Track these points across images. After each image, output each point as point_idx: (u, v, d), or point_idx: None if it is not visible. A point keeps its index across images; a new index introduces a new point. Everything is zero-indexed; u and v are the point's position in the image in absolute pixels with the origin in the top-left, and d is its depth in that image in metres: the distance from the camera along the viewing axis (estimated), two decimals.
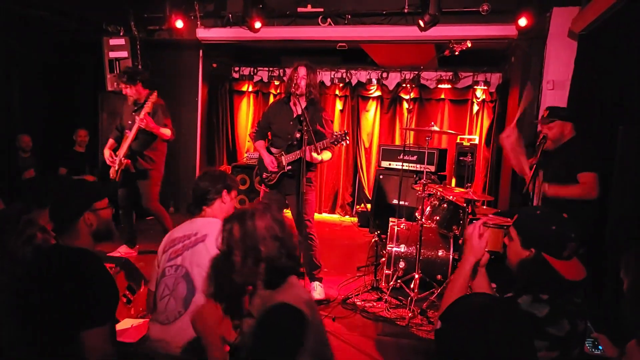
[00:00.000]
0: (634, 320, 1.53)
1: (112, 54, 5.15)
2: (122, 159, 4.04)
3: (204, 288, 1.57)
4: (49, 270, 1.59)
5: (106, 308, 1.61)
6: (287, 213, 3.98)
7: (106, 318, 1.58)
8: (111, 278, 1.65)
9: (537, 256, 1.55)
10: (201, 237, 2.02)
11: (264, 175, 3.73)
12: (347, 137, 3.45)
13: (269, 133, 3.83)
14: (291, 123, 3.58)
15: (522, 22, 4.24)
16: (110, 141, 4.30)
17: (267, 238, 1.45)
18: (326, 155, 3.53)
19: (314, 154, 3.36)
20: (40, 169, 5.28)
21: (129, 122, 4.09)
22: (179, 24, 5.12)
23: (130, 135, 4.01)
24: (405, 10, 4.76)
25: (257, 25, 4.94)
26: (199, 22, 5.38)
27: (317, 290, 3.69)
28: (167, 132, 4.11)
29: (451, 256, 3.82)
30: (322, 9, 4.99)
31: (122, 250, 4.30)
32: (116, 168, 4.09)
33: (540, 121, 3.32)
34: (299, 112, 3.46)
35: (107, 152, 4.18)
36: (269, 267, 1.44)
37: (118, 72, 4.06)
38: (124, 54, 5.13)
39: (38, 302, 1.52)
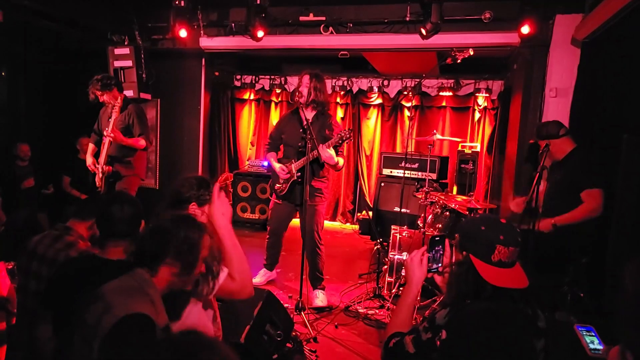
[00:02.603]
0: (623, 328, 1.50)
1: (117, 63, 5.18)
2: (103, 166, 3.98)
3: None
4: (86, 277, 1.62)
5: None
6: (294, 221, 3.99)
7: None
8: None
9: (465, 258, 1.49)
10: None
11: (276, 187, 3.75)
12: (351, 134, 3.45)
13: (281, 145, 3.85)
14: (300, 131, 3.61)
15: (525, 29, 4.25)
16: (91, 147, 4.22)
17: None
18: (339, 159, 3.54)
19: (329, 151, 3.36)
20: (42, 177, 5.29)
21: (105, 128, 4.02)
22: (183, 33, 5.15)
23: (106, 143, 3.94)
24: (407, 19, 4.78)
25: (260, 34, 4.97)
26: (202, 32, 5.42)
27: (320, 298, 3.69)
28: (140, 143, 4.02)
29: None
30: (324, 18, 5.02)
31: None
32: (100, 176, 4.03)
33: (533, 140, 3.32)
34: (309, 119, 3.48)
35: (89, 159, 4.10)
36: None
37: (91, 82, 3.98)
38: (129, 63, 5.15)
39: (72, 308, 1.55)
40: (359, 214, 6.77)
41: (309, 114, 3.54)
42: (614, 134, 3.07)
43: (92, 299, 1.40)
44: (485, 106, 6.28)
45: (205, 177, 2.05)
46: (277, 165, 3.68)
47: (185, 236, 1.52)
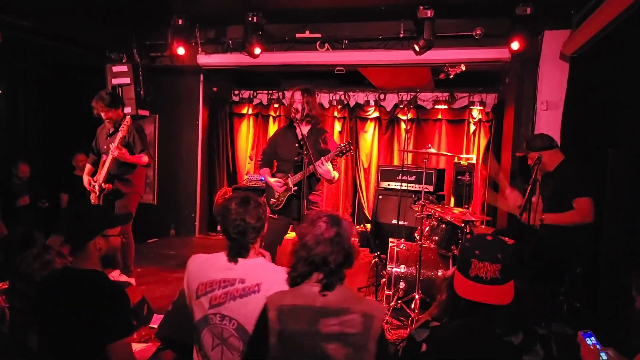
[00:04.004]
0: None
1: (115, 81, 5.25)
2: (102, 184, 3.97)
3: None
4: (69, 290, 1.69)
5: (128, 321, 1.72)
6: (292, 235, 4.02)
7: (130, 330, 1.70)
8: (126, 294, 1.75)
9: (452, 274, 1.53)
10: (253, 286, 1.75)
11: (271, 201, 3.78)
12: (351, 147, 3.50)
13: (274, 161, 3.90)
14: (296, 145, 3.66)
15: (515, 45, 4.35)
16: (88, 167, 4.22)
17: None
18: (335, 173, 3.59)
19: (327, 165, 3.41)
20: (39, 194, 5.32)
21: (104, 146, 4.03)
22: (181, 50, 5.24)
23: (107, 160, 3.94)
24: (401, 35, 4.88)
25: (257, 51, 5.06)
26: (200, 49, 5.51)
27: None
28: (144, 159, 4.04)
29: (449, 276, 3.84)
30: (320, 35, 5.12)
31: (115, 275, 4.26)
32: (97, 194, 4.02)
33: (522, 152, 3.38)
34: (304, 134, 3.54)
35: (86, 179, 4.10)
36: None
37: (98, 98, 3.99)
38: (127, 80, 5.23)
39: (61, 321, 1.63)
40: (357, 227, 6.81)
41: (304, 129, 3.60)
42: (602, 146, 3.14)
43: None
44: (480, 118, 6.37)
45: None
46: (272, 180, 3.73)
47: None
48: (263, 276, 1.77)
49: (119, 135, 3.87)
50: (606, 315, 2.85)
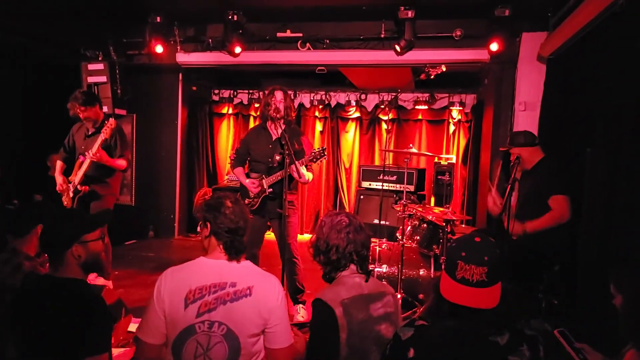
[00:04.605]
0: (629, 332, 1.55)
1: (91, 79, 5.13)
2: (78, 185, 3.86)
3: (249, 349, 1.68)
4: (46, 301, 1.60)
5: (105, 336, 1.64)
6: (270, 235, 3.99)
7: (106, 346, 1.61)
8: (106, 306, 1.66)
9: (439, 275, 1.53)
10: (244, 290, 1.70)
11: (246, 201, 3.73)
12: (325, 153, 3.49)
13: (247, 160, 3.85)
14: (270, 146, 3.62)
15: (494, 47, 4.41)
16: (59, 164, 4.05)
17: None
18: (309, 174, 3.57)
19: (303, 170, 3.40)
20: (13, 195, 5.14)
21: (82, 147, 3.91)
22: (159, 49, 5.14)
23: (85, 163, 3.81)
24: (382, 36, 4.90)
25: (237, 50, 5.01)
26: (178, 47, 5.42)
27: (301, 313, 3.68)
28: (122, 163, 3.93)
29: (432, 275, 3.87)
30: (301, 34, 5.10)
31: (91, 278, 4.15)
32: (71, 195, 3.90)
33: (505, 147, 3.43)
34: (278, 134, 3.51)
35: (59, 179, 3.95)
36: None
37: (72, 98, 3.85)
38: (103, 78, 5.11)
39: (37, 332, 1.55)
40: None
41: (280, 129, 3.56)
42: (579, 146, 3.21)
43: None
44: (460, 119, 6.45)
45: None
46: (246, 180, 3.69)
47: None
48: (254, 279, 1.74)
49: (101, 137, 3.73)
50: (584, 311, 2.91)
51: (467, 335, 1.40)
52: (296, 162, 3.34)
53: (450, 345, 1.39)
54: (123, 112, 5.53)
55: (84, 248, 1.72)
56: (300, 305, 3.73)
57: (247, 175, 3.75)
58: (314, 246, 1.92)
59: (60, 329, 1.55)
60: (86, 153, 3.77)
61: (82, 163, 3.88)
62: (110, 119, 3.84)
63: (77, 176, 3.87)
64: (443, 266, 1.54)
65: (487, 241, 1.49)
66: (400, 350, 1.43)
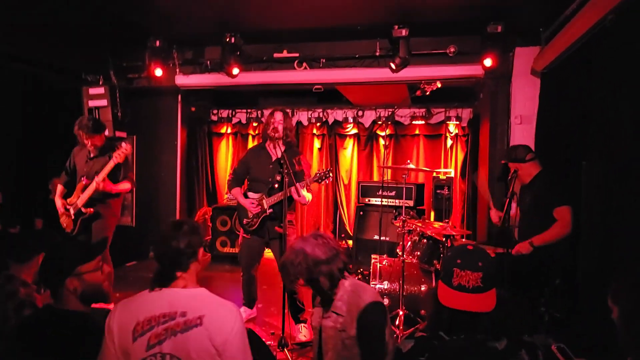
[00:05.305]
0: (627, 344, 1.57)
1: (92, 103, 5.19)
2: (82, 208, 3.87)
3: None
4: (47, 333, 1.59)
5: None
6: (268, 253, 3.99)
7: None
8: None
9: (436, 285, 1.58)
10: (194, 319, 1.61)
11: (244, 221, 3.74)
12: (330, 175, 3.52)
13: (245, 180, 3.88)
14: (271, 167, 3.65)
15: (488, 62, 4.47)
16: (60, 188, 4.07)
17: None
18: (308, 195, 3.59)
19: (303, 192, 3.42)
20: (13, 220, 5.15)
21: (85, 169, 3.94)
22: (158, 72, 5.22)
23: (90, 187, 3.82)
24: (377, 54, 4.98)
25: (235, 71, 5.08)
26: (177, 70, 5.50)
27: (303, 332, 3.66)
28: (126, 186, 3.97)
29: None
30: (297, 54, 5.18)
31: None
32: (72, 218, 3.91)
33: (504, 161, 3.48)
34: (278, 155, 3.54)
35: (59, 202, 3.97)
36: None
37: (80, 126, 3.92)
38: (104, 102, 5.17)
39: None
40: (340, 242, 6.80)
41: (280, 149, 3.60)
42: (574, 159, 3.24)
43: None
44: (457, 133, 6.50)
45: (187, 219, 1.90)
46: (245, 200, 3.70)
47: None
48: (206, 308, 1.64)
49: (113, 161, 3.75)
50: (584, 325, 2.89)
51: (466, 341, 1.44)
52: (297, 183, 3.37)
53: (452, 353, 1.42)
54: (123, 134, 5.59)
55: (79, 280, 1.71)
56: (302, 325, 3.71)
57: (245, 195, 3.77)
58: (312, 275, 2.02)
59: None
60: (95, 177, 3.79)
61: (84, 186, 3.90)
62: (124, 143, 3.88)
63: (81, 199, 3.88)
64: (440, 276, 1.58)
65: (480, 248, 1.55)
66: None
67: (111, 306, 3.96)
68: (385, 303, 1.97)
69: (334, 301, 2.08)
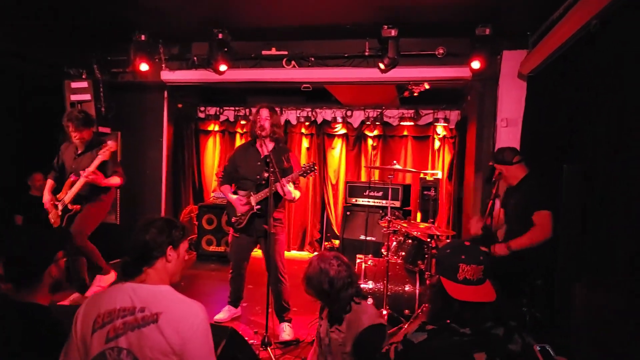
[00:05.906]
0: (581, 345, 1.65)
1: (74, 97, 5.08)
2: (69, 204, 3.85)
3: None
4: (12, 329, 1.56)
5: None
6: (257, 252, 3.96)
7: None
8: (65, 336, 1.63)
9: (437, 281, 1.66)
10: (151, 315, 1.59)
11: (233, 220, 3.71)
12: (315, 168, 3.51)
13: (234, 178, 3.85)
14: (259, 164, 3.62)
15: (475, 64, 4.49)
16: (50, 182, 4.06)
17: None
18: (296, 192, 3.57)
19: (289, 187, 3.40)
20: None
21: (72, 166, 3.92)
22: (144, 67, 5.14)
23: (78, 182, 3.81)
24: (366, 53, 4.97)
25: (223, 68, 5.03)
26: (163, 65, 5.43)
27: (287, 331, 3.64)
28: (116, 181, 3.96)
29: (417, 291, 3.86)
30: (286, 52, 5.15)
31: (73, 298, 4.07)
32: (59, 213, 3.88)
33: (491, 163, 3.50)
34: (266, 152, 3.52)
35: (47, 196, 3.95)
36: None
37: (70, 117, 3.88)
38: (87, 96, 5.07)
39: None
40: (326, 243, 6.79)
41: (268, 146, 3.57)
42: (558, 162, 3.26)
43: None
44: (445, 135, 6.53)
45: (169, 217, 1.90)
46: (234, 197, 3.68)
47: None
48: (164, 306, 1.61)
49: (99, 158, 3.75)
50: (560, 325, 2.92)
51: (476, 330, 1.55)
52: (282, 179, 3.35)
53: (466, 342, 1.53)
54: (107, 130, 5.50)
55: (57, 267, 1.72)
56: (286, 324, 3.69)
57: (235, 193, 3.74)
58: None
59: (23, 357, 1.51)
60: (80, 172, 3.78)
61: (72, 182, 3.86)
62: (110, 141, 3.89)
63: (68, 195, 3.85)
64: (440, 272, 1.66)
65: (476, 244, 1.71)
66: (410, 350, 1.57)
67: (66, 301, 3.96)
68: (369, 302, 1.96)
69: (341, 319, 2.28)
